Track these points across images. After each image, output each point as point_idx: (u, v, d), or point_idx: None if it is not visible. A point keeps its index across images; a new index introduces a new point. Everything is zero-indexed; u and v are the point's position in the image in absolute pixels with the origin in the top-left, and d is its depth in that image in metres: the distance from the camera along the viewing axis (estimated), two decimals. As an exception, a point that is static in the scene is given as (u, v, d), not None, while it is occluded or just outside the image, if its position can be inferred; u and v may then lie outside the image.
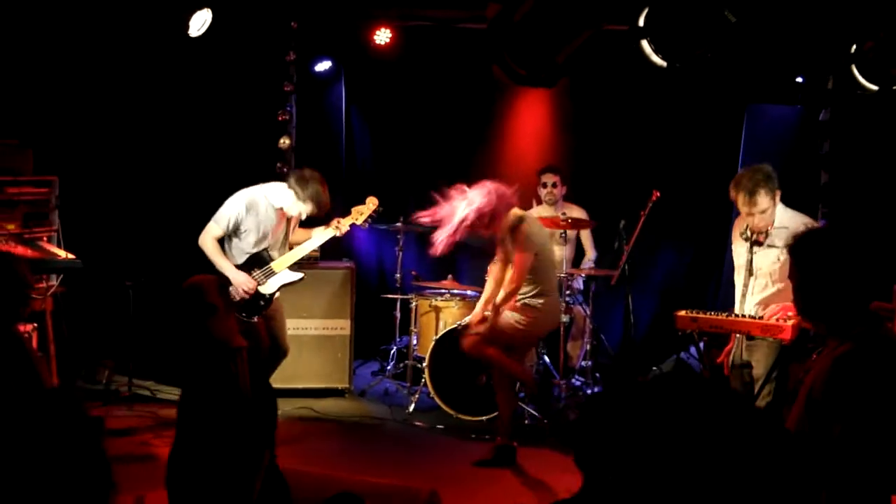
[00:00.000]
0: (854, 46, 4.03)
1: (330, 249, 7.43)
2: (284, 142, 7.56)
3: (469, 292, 7.12)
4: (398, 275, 7.51)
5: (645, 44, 3.59)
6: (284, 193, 5.91)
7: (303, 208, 5.88)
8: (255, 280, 5.83)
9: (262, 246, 5.90)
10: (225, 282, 5.58)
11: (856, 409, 2.77)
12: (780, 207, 4.77)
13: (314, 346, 7.05)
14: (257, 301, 5.86)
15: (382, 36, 7.69)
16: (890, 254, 3.41)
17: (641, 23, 3.59)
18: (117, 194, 7.50)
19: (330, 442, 6.10)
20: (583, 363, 7.20)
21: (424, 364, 6.61)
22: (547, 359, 7.18)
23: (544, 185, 7.42)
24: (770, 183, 4.67)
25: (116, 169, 7.51)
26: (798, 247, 3.07)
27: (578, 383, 7.25)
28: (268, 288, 5.89)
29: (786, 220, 4.75)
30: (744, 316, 4.72)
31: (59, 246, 6.14)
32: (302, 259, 6.84)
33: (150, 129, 7.50)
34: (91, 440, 2.01)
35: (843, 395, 2.80)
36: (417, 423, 6.49)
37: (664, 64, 3.64)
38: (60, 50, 6.96)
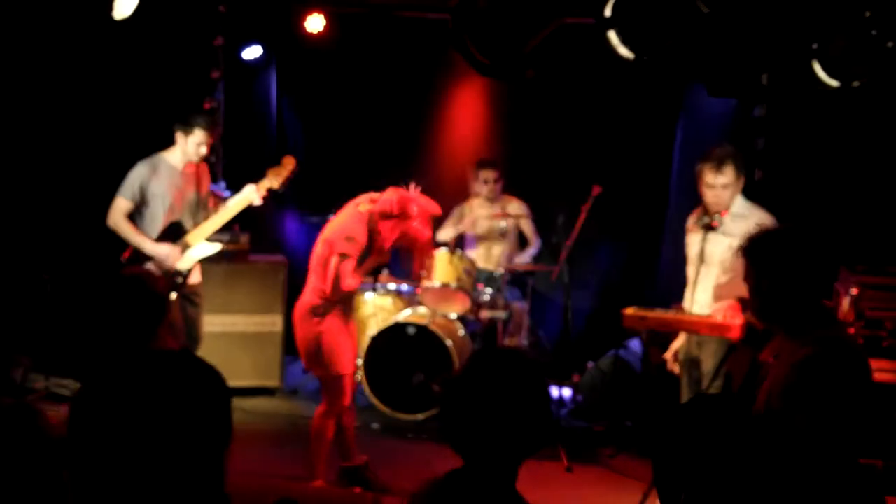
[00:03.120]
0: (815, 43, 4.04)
1: (260, 243, 7.24)
2: (212, 131, 7.31)
3: (405, 287, 7.00)
4: (331, 269, 7.34)
5: (612, 35, 3.51)
6: (177, 148, 5.64)
7: (197, 140, 5.55)
8: (172, 256, 5.52)
9: (174, 217, 5.59)
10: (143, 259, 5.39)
11: (814, 416, 2.73)
12: (739, 197, 4.73)
13: (244, 343, 6.85)
14: (173, 277, 5.56)
15: (315, 23, 7.50)
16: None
17: (608, 13, 3.50)
18: (34, 182, 7.18)
19: (261, 444, 5.92)
20: (520, 360, 7.14)
21: (359, 361, 6.48)
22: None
23: (485, 182, 7.25)
24: (739, 161, 4.66)
25: (33, 155, 7.18)
26: (753, 248, 3.03)
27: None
28: (184, 263, 5.58)
29: (743, 210, 4.71)
30: (692, 314, 4.70)
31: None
32: (233, 252, 6.67)
33: (69, 114, 7.19)
34: (49, 467, 1.82)
35: (801, 402, 2.76)
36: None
37: (631, 56, 3.56)
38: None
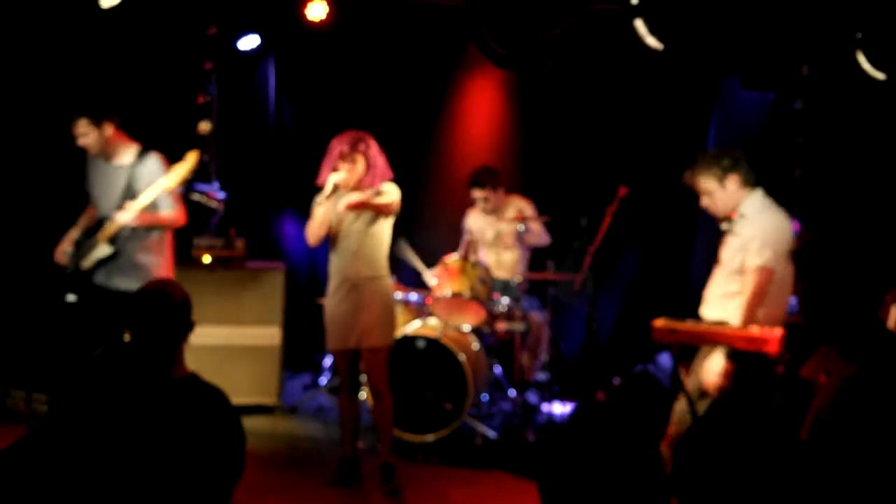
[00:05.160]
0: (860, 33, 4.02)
1: (257, 249, 7.26)
2: (204, 127, 7.33)
3: (413, 296, 7.00)
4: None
5: (639, 23, 3.50)
6: None
7: (81, 130, 5.59)
8: (62, 253, 5.69)
9: (100, 211, 5.65)
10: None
11: (861, 438, 2.72)
12: (752, 196, 4.82)
13: (239, 357, 6.85)
14: (73, 277, 5.64)
15: (317, 10, 7.51)
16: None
17: (635, 0, 3.49)
18: (11, 186, 7.21)
19: (258, 467, 5.91)
20: (539, 376, 7.13)
21: (363, 378, 6.47)
22: (499, 370, 7.11)
23: (473, 200, 7.21)
24: (716, 165, 4.80)
25: (10, 154, 7.22)
26: (801, 254, 3.01)
27: (534, 399, 7.18)
28: (87, 262, 5.61)
29: (748, 210, 4.80)
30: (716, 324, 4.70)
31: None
32: (228, 258, 6.70)
33: (52, 109, 7.22)
34: None
35: (847, 424, 2.74)
36: (356, 444, 6.34)
37: (660, 46, 3.55)
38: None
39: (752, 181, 4.84)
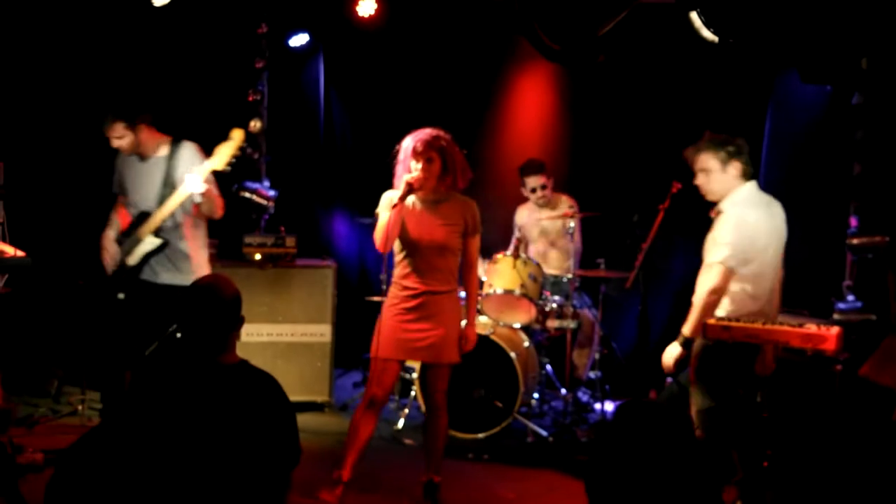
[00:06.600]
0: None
1: (308, 246, 7.32)
2: (255, 125, 7.40)
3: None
4: (383, 275, 7.38)
5: (694, 16, 3.48)
6: None
7: (117, 133, 5.61)
8: (109, 251, 5.72)
9: (139, 208, 5.65)
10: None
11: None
12: (742, 189, 4.86)
13: (290, 354, 6.92)
14: (120, 274, 5.68)
15: (366, 7, 7.56)
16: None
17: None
18: (69, 182, 7.33)
19: (308, 463, 5.95)
20: (591, 374, 7.12)
21: (414, 375, 6.51)
22: (550, 368, 7.10)
23: (532, 190, 7.23)
24: (723, 148, 4.85)
25: (68, 153, 7.34)
26: (890, 252, 3.00)
27: (585, 397, 7.17)
28: (132, 259, 5.65)
29: (728, 205, 4.84)
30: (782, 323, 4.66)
31: (4, 240, 5.99)
32: (279, 256, 6.75)
33: (106, 109, 7.35)
34: None
35: None
36: (407, 442, 6.38)
37: (715, 39, 3.53)
38: (4, 20, 6.81)
39: (749, 173, 4.89)
